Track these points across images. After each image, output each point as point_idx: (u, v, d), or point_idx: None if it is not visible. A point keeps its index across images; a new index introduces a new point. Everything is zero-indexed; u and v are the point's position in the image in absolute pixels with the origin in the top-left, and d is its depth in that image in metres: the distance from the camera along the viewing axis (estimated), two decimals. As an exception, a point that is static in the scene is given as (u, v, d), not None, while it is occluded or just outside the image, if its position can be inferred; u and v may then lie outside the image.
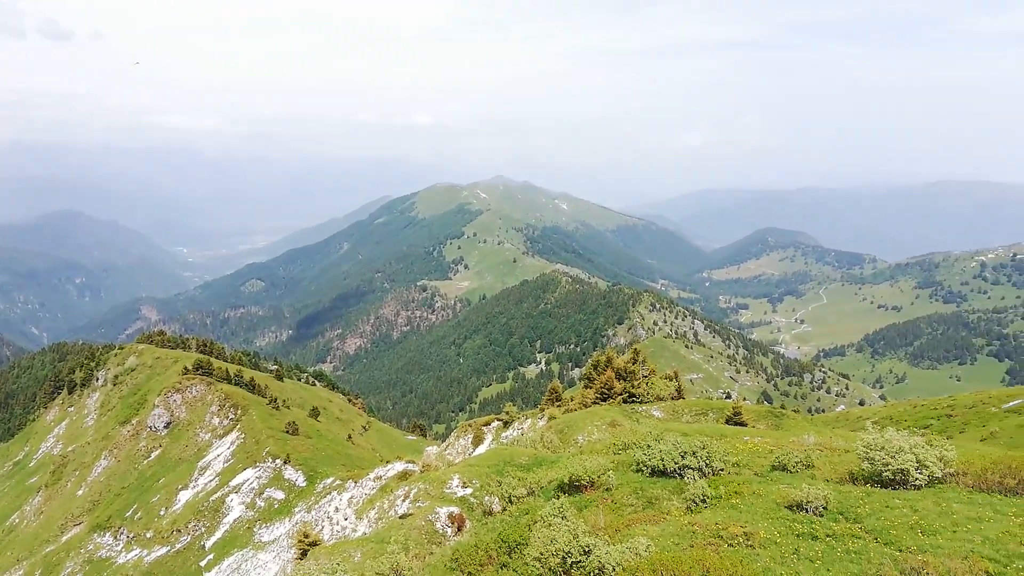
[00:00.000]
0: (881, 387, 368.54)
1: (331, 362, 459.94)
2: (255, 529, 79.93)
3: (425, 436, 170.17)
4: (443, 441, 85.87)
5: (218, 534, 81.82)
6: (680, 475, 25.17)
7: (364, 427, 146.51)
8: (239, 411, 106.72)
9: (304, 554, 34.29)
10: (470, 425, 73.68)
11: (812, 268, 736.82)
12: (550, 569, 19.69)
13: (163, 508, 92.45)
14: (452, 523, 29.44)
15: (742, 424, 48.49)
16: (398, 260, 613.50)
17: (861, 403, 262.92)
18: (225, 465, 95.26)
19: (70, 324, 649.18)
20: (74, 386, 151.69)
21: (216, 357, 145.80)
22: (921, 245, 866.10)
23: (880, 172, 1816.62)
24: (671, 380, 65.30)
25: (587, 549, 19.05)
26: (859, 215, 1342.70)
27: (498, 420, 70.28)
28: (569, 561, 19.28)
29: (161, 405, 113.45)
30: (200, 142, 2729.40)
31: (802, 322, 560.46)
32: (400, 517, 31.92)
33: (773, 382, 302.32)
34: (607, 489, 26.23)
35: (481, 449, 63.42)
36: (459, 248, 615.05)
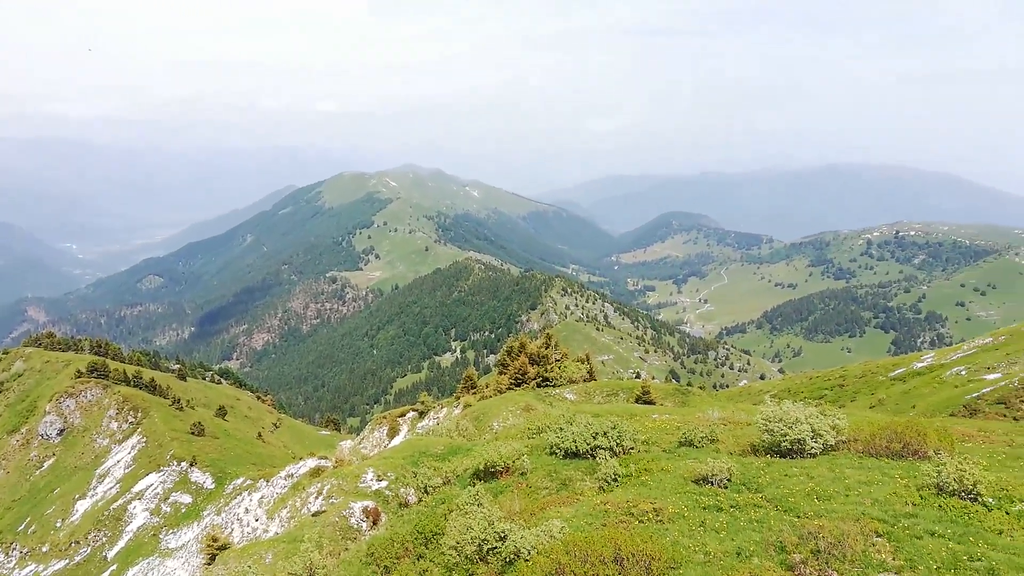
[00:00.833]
0: (780, 361, 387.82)
1: (238, 359, 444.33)
2: (161, 536, 77.00)
3: (339, 431, 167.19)
4: (358, 435, 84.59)
5: (121, 543, 78.38)
6: (592, 456, 25.62)
7: (275, 424, 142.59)
8: (140, 414, 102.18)
9: (213, 559, 33.09)
10: (385, 417, 72.81)
11: (714, 250, 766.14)
12: (466, 557, 19.68)
13: (59, 520, 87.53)
14: (367, 517, 29.01)
15: (651, 403, 49.93)
16: (306, 251, 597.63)
17: (762, 377, 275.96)
18: (126, 471, 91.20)
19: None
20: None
21: (112, 358, 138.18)
22: (814, 225, 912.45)
23: (776, 157, 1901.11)
24: (583, 363, 66.49)
25: (503, 535, 19.12)
26: (757, 198, 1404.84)
27: (414, 410, 69.74)
28: (485, 548, 19.32)
29: (53, 411, 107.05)
30: (89, 131, 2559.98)
31: (705, 302, 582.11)
32: (313, 515, 31.20)
33: (680, 360, 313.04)
34: (522, 474, 26.43)
35: (397, 441, 62.78)
36: (369, 238, 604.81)
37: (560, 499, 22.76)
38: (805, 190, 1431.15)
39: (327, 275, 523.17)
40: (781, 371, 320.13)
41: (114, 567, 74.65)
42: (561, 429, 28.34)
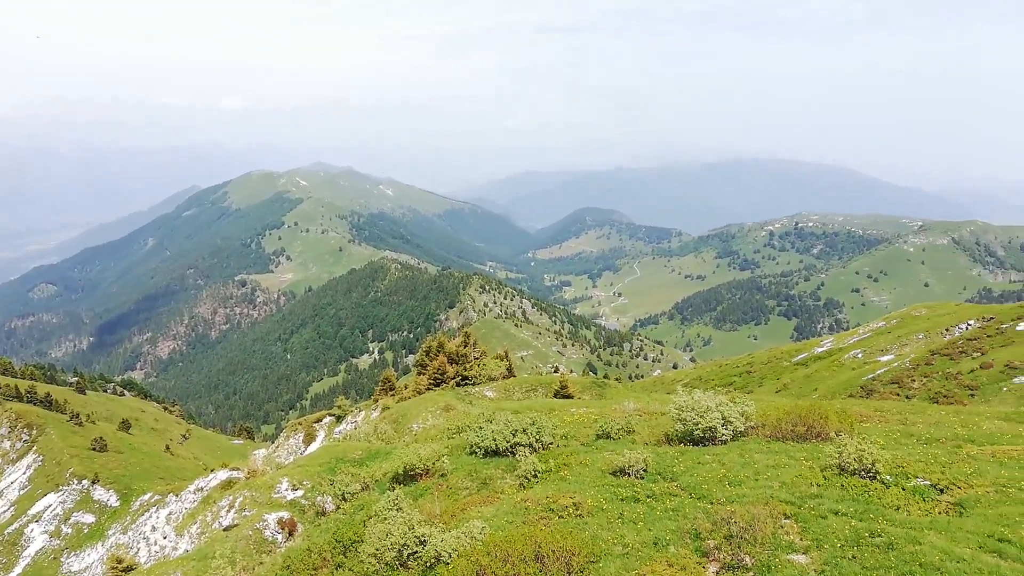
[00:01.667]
0: (691, 350, 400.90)
1: (142, 369, 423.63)
2: (63, 559, 73.10)
3: (253, 439, 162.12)
4: (273, 443, 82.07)
5: (18, 569, 74.03)
6: (512, 453, 25.64)
7: (184, 436, 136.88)
8: (34, 431, 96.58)
9: (117, 582, 31.35)
10: (300, 423, 70.88)
11: (626, 244, 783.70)
12: (386, 564, 19.31)
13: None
14: (283, 529, 28.10)
15: (569, 396, 50.52)
16: (212, 254, 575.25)
17: (675, 366, 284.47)
18: (22, 492, 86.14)
19: None
20: None
21: (3, 373, 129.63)
22: (721, 217, 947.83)
23: (682, 151, 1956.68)
24: (502, 360, 66.67)
25: (423, 539, 18.86)
26: (667, 192, 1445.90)
27: (330, 415, 68.18)
28: (406, 553, 19.02)
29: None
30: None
31: (620, 295, 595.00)
32: (225, 529, 29.98)
33: (597, 353, 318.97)
34: (442, 475, 26.20)
35: (313, 447, 61.23)
36: (280, 239, 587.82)
37: (481, 499, 22.66)
38: (712, 184, 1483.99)
39: (236, 278, 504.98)
40: (692, 360, 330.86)
41: (11, 596, 70.05)
42: (481, 428, 28.24)
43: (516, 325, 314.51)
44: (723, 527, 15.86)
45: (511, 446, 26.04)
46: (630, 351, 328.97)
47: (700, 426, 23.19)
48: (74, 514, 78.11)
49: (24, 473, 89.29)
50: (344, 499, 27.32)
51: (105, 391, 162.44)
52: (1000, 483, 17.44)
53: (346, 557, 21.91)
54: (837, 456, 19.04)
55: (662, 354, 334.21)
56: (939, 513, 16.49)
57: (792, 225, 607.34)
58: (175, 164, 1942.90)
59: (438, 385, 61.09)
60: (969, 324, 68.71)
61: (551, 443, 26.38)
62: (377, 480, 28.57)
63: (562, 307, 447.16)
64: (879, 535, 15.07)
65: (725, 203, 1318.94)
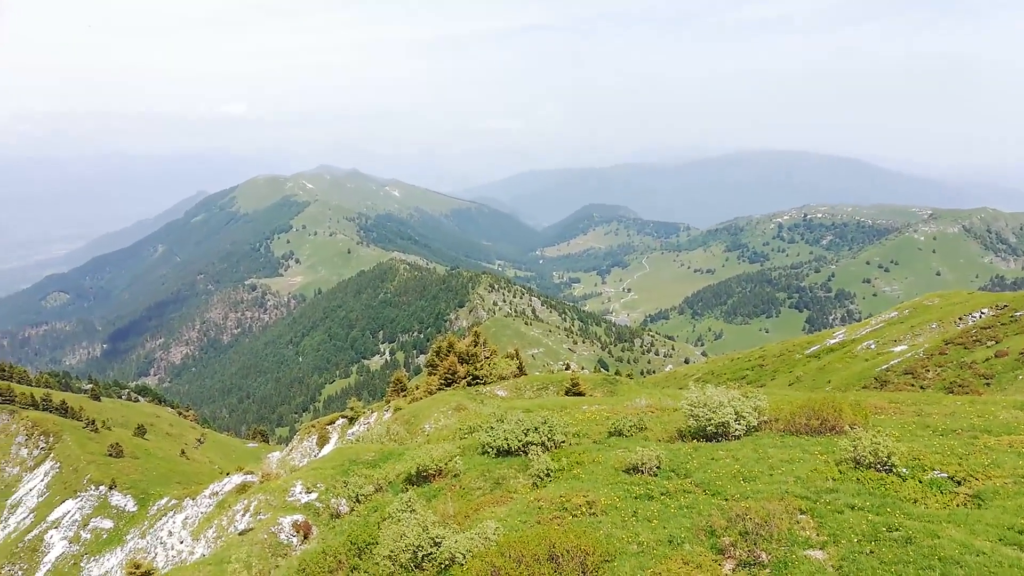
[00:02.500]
0: (702, 345, 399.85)
1: (155, 374, 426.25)
2: (83, 564, 73.83)
3: (268, 442, 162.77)
4: (287, 446, 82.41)
5: (39, 575, 74.06)
6: (525, 452, 25.58)
7: (199, 440, 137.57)
8: (51, 438, 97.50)
9: (135, 588, 31.54)
10: (314, 426, 71.16)
11: (634, 239, 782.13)
12: (401, 566, 19.30)
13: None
14: (298, 532, 28.16)
15: (580, 394, 50.41)
16: (221, 259, 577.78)
17: (686, 361, 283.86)
18: (40, 499, 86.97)
19: None
20: None
21: (18, 381, 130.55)
22: (726, 211, 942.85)
23: (684, 147, 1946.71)
24: (512, 358, 66.62)
25: (437, 540, 18.83)
26: (673, 187, 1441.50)
27: (343, 417, 68.38)
28: (420, 555, 18.99)
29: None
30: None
31: (629, 291, 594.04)
32: (240, 533, 30.08)
33: (608, 349, 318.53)
34: (455, 475, 26.17)
35: (327, 449, 61.41)
36: (288, 242, 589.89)
37: (494, 499, 22.62)
38: (718, 178, 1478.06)
39: (246, 283, 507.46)
40: (704, 354, 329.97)
41: (31, 602, 70.69)
42: (492, 428, 28.20)
43: (526, 323, 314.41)
44: (738, 523, 15.76)
45: (523, 445, 25.99)
46: (641, 347, 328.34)
47: (713, 421, 23.06)
48: (92, 520, 78.77)
49: (42, 480, 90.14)
50: (358, 501, 27.35)
51: (120, 397, 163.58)
52: (1019, 474, 17.24)
53: (361, 559, 21.90)
54: (852, 449, 18.87)
55: (673, 349, 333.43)
56: (957, 506, 16.30)
57: (801, 217, 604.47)
58: (180, 171, 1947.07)
59: (449, 385, 61.12)
60: (983, 312, 68.20)
61: (563, 441, 26.30)
62: (390, 481, 28.58)
63: (571, 304, 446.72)
64: (897, 529, 14.93)
65: (730, 196, 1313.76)
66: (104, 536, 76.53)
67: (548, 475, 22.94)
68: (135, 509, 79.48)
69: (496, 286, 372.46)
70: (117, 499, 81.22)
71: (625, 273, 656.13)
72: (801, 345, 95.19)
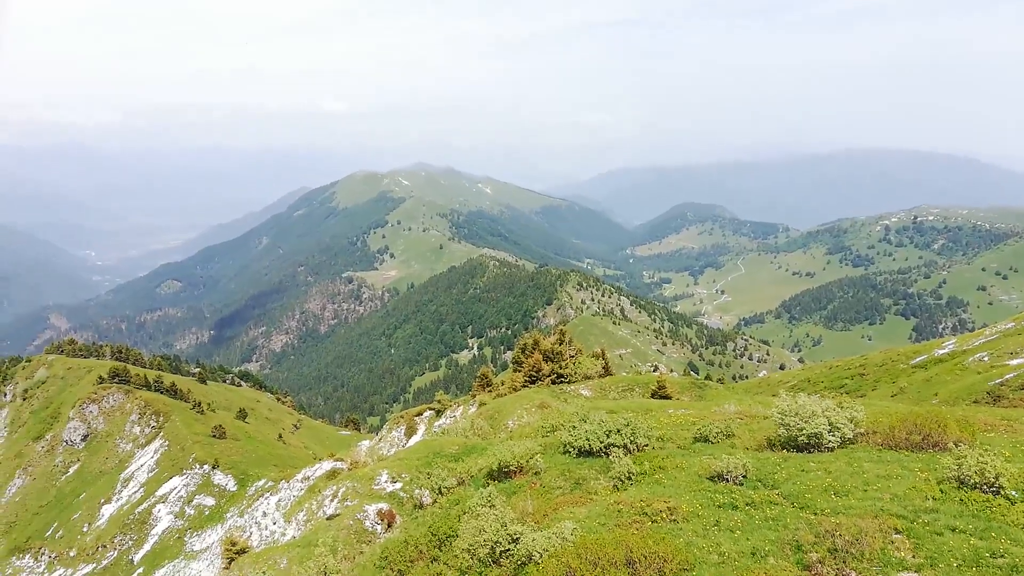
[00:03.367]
0: (799, 350, 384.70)
1: (257, 361, 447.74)
2: (186, 538, 77.88)
3: (359, 430, 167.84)
4: (376, 434, 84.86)
5: (147, 547, 79.32)
6: (606, 454, 25.35)
7: (295, 425, 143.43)
8: (161, 418, 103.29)
9: (231, 563, 33.19)
10: (403, 416, 72.89)
11: (729, 240, 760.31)
12: (479, 560, 19.52)
13: (86, 524, 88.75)
14: (382, 520, 28.93)
15: (666, 397, 49.52)
16: (321, 252, 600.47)
17: (782, 367, 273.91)
18: (150, 475, 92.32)
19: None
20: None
21: (133, 363, 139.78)
22: (828, 212, 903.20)
23: (783, 143, 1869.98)
24: (598, 358, 66.14)
25: (515, 537, 18.93)
26: (770, 186, 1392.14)
27: (430, 409, 69.73)
28: (498, 550, 19.14)
29: (76, 417, 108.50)
30: (95, 138, 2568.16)
31: (722, 292, 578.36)
32: (328, 518, 31.18)
33: (698, 352, 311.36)
34: (536, 473, 26.22)
35: (415, 439, 62.82)
36: (384, 237, 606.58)
37: (573, 499, 22.52)
38: (819, 177, 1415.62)
39: (343, 275, 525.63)
40: (801, 361, 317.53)
41: (141, 570, 75.50)
42: (574, 427, 28.09)
43: (614, 323, 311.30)
44: (827, 540, 15.09)
45: (605, 447, 25.76)
46: (734, 351, 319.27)
47: (805, 432, 22.14)
48: (196, 497, 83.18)
49: (152, 457, 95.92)
50: (440, 493, 27.84)
51: (224, 381, 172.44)
52: None
53: (441, 551, 22.29)
54: (956, 468, 17.70)
55: (768, 354, 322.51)
56: (1074, 535, 15.04)
57: (910, 219, 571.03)
58: (282, 165, 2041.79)
59: (533, 382, 61.29)
60: (1115, 326, 62.61)
61: (646, 445, 25.91)
62: (472, 475, 28.94)
63: (662, 305, 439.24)
64: (1001, 555, 13.90)
65: (833, 196, 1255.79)
66: (206, 512, 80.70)
67: (629, 478, 22.64)
68: (235, 489, 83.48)
69: (584, 284, 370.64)
70: (219, 478, 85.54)
71: (719, 274, 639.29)
72: (906, 354, 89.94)
